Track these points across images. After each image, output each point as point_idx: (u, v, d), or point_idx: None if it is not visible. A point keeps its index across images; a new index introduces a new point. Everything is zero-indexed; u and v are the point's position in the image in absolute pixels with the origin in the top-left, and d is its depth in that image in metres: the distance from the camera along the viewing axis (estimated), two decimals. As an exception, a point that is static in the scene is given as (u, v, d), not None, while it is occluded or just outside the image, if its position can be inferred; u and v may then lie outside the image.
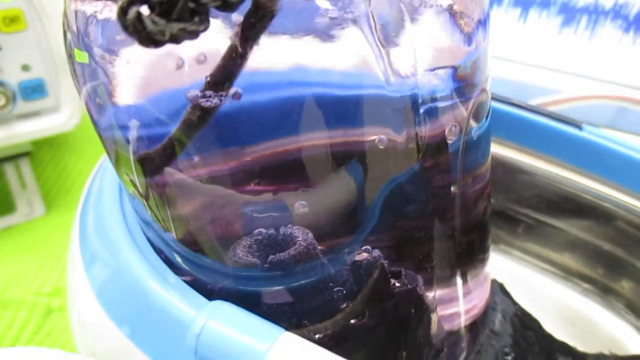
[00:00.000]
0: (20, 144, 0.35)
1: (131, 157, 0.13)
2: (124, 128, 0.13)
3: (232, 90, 0.11)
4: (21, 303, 0.32)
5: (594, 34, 0.31)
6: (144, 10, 0.08)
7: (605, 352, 0.21)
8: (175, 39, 0.08)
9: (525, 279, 0.27)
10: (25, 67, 0.31)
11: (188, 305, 0.13)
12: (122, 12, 0.08)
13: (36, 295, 0.32)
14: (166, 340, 0.13)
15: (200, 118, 0.12)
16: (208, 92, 0.10)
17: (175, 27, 0.08)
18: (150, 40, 0.08)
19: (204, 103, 0.11)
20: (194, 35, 0.08)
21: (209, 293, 0.15)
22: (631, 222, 0.23)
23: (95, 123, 0.14)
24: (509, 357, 0.20)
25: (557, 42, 0.32)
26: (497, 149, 0.24)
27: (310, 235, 0.16)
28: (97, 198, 0.17)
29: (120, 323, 0.14)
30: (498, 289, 0.23)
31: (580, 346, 0.22)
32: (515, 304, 0.23)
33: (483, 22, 0.14)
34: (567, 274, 0.25)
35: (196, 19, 0.08)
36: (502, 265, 0.26)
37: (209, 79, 0.11)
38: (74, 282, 0.18)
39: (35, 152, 0.38)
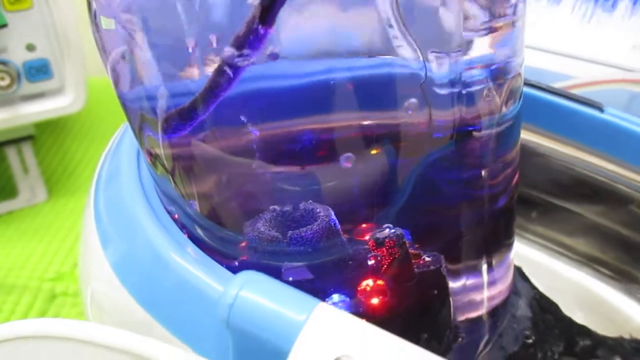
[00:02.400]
0: (23, 126, 0.34)
1: (159, 122, 0.12)
2: (151, 93, 0.12)
3: (269, 50, 0.10)
4: (25, 288, 0.31)
5: (611, 18, 0.31)
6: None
7: (625, 335, 0.21)
8: None
9: (541, 263, 0.26)
10: (30, 47, 0.31)
11: (215, 278, 0.13)
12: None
13: (40, 280, 0.32)
14: (191, 314, 0.13)
15: (226, 78, 0.11)
16: (245, 51, 0.10)
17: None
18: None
19: (240, 63, 0.10)
20: None
21: (230, 268, 0.14)
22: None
23: (120, 92, 0.14)
24: (530, 340, 0.20)
25: (571, 27, 0.32)
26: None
27: (331, 211, 0.15)
28: (114, 176, 0.17)
29: (142, 300, 0.14)
30: (517, 273, 0.22)
31: (598, 330, 0.21)
32: (533, 287, 0.22)
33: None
34: (584, 259, 0.25)
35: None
36: (517, 250, 0.26)
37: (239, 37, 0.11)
38: (89, 260, 0.17)
39: (37, 137, 0.37)
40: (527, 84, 0.23)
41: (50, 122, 0.39)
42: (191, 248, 0.14)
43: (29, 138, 0.36)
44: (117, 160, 0.17)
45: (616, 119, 0.21)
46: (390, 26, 0.12)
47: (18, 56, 0.30)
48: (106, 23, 0.13)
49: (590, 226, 0.25)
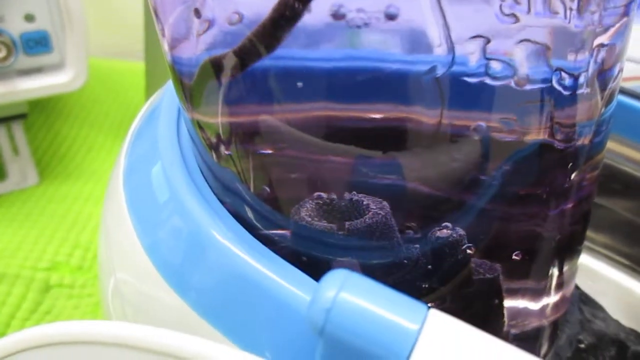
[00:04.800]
0: (15, 104, 0.32)
1: (221, 86, 0.11)
2: (213, 44, 0.11)
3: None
4: (16, 277, 0.29)
5: None
6: None
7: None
8: None
9: (581, 263, 0.25)
10: (29, 17, 0.28)
11: (286, 275, 0.11)
12: None
13: (33, 269, 0.30)
14: (251, 316, 0.11)
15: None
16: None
17: None
18: None
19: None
20: None
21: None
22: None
23: (179, 54, 0.12)
24: (582, 345, 0.19)
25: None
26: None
27: (387, 205, 0.14)
28: (150, 157, 0.15)
29: (183, 290, 0.12)
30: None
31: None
32: (579, 290, 0.21)
33: None
34: (624, 258, 0.24)
35: None
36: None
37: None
38: (115, 250, 0.15)
39: (29, 116, 0.34)
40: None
41: (43, 100, 0.36)
42: (247, 235, 0.12)
43: (20, 117, 0.34)
44: (152, 141, 0.15)
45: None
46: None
47: (15, 26, 0.28)
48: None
49: (617, 220, 0.24)
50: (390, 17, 0.09)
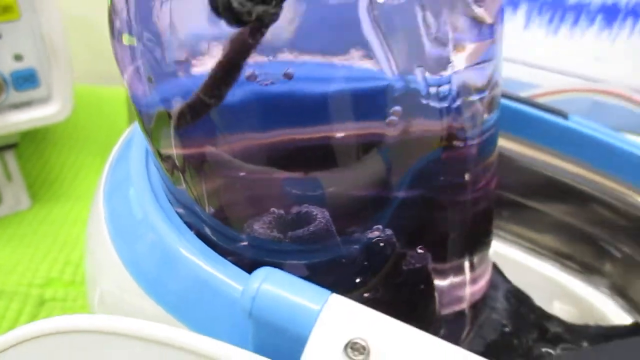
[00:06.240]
0: (7, 135, 0.35)
1: (171, 127, 0.14)
2: (166, 100, 0.14)
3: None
4: (14, 294, 0.32)
5: (573, 31, 0.33)
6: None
7: (591, 322, 0.23)
8: (260, 20, 0.09)
9: (514, 259, 0.28)
10: (18, 57, 0.31)
11: (233, 277, 0.14)
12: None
13: (29, 286, 0.32)
14: (208, 309, 0.14)
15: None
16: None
17: (260, 8, 0.09)
18: (238, 20, 0.09)
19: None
20: (274, 16, 0.09)
21: (235, 265, 0.16)
22: (611, 206, 0.25)
23: (136, 100, 0.15)
24: (507, 330, 0.22)
25: (540, 39, 0.34)
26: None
27: (327, 213, 0.17)
28: (124, 181, 0.18)
29: (158, 298, 0.15)
30: (493, 267, 0.24)
31: (567, 318, 0.23)
32: (508, 281, 0.24)
33: (501, 13, 0.15)
34: (553, 254, 0.27)
35: (274, 1, 0.09)
36: (492, 247, 0.28)
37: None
38: (98, 263, 0.18)
39: (20, 144, 0.37)
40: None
41: (32, 132, 0.39)
42: (204, 247, 0.15)
43: (12, 146, 0.37)
44: (126, 166, 0.18)
45: (579, 125, 0.23)
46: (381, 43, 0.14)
47: (6, 66, 0.31)
48: (127, 39, 0.14)
49: (557, 224, 0.27)
50: (289, 76, 0.12)
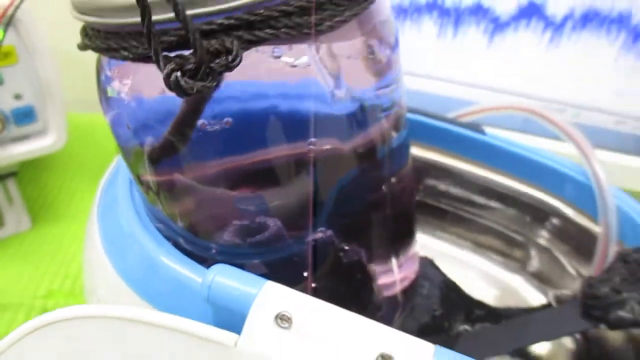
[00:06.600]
0: (8, 165, 0.39)
1: (145, 159, 0.18)
2: (141, 140, 0.18)
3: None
4: (19, 305, 0.36)
5: (510, 53, 0.38)
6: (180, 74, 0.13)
7: (512, 304, 0.27)
8: (200, 92, 0.13)
9: (455, 256, 0.33)
10: (17, 96, 0.35)
11: (194, 272, 0.18)
12: (167, 77, 0.13)
13: (32, 298, 0.36)
14: (180, 297, 0.18)
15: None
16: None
17: (199, 84, 0.13)
18: (185, 93, 0.13)
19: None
20: (211, 89, 0.13)
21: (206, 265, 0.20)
22: (527, 205, 0.29)
23: (118, 138, 0.19)
24: (437, 312, 0.26)
25: (475, 61, 0.38)
26: (424, 153, 0.30)
27: (279, 222, 0.21)
28: (113, 203, 0.22)
29: (144, 293, 0.19)
30: (429, 263, 0.29)
31: (496, 302, 0.28)
32: (442, 274, 0.28)
33: (394, 49, 0.20)
34: (485, 249, 0.32)
35: (210, 78, 0.13)
36: (437, 246, 0.32)
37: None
38: (95, 272, 0.22)
39: (20, 171, 0.41)
40: (429, 115, 0.29)
41: (31, 160, 0.43)
42: (178, 254, 0.20)
43: (13, 174, 0.41)
44: (115, 191, 0.22)
45: (494, 140, 0.28)
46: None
47: (7, 104, 0.35)
48: (110, 92, 0.18)
49: (488, 224, 0.32)
50: (228, 123, 0.16)
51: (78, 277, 0.38)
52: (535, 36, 0.38)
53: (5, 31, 0.29)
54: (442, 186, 0.31)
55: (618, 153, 0.38)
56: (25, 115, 0.36)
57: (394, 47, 0.20)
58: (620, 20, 0.34)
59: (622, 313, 0.20)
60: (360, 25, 0.18)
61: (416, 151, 0.30)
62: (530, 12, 0.36)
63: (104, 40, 0.16)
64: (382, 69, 0.19)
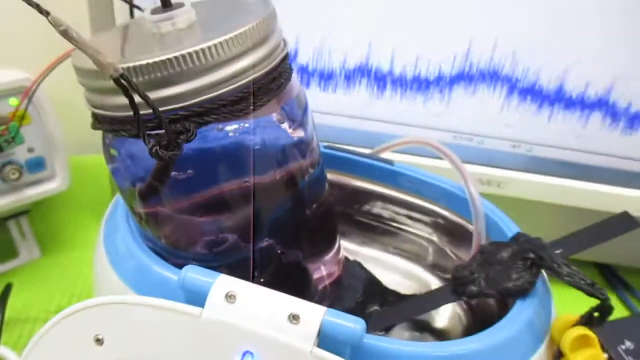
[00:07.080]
0: (22, 205, 0.47)
1: (137, 197, 0.27)
2: (133, 183, 0.27)
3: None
4: (35, 319, 0.44)
5: (417, 101, 0.47)
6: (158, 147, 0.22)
7: (420, 292, 0.36)
8: (172, 159, 0.22)
9: (384, 260, 0.42)
10: (31, 150, 0.44)
11: (174, 274, 0.27)
12: (150, 150, 0.22)
13: (46, 313, 0.44)
14: (164, 290, 0.27)
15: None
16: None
17: (170, 153, 0.22)
18: (161, 159, 0.22)
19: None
20: (177, 155, 0.22)
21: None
22: (430, 216, 0.38)
23: (116, 180, 0.28)
24: (359, 300, 0.35)
25: (396, 106, 0.48)
26: (350, 181, 0.39)
27: (236, 236, 0.30)
28: (114, 229, 0.31)
29: (142, 292, 0.28)
30: (356, 264, 0.38)
31: (407, 292, 0.37)
32: (367, 272, 0.37)
33: (305, 112, 0.29)
34: (409, 254, 0.41)
35: (177, 149, 0.22)
36: (365, 252, 0.42)
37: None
38: (104, 282, 0.31)
39: (32, 211, 0.50)
40: (350, 152, 0.38)
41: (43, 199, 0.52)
42: (165, 264, 0.28)
43: (25, 212, 0.49)
44: (115, 220, 0.31)
45: (401, 169, 0.37)
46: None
47: (22, 157, 0.44)
48: (112, 152, 0.27)
49: (410, 235, 0.41)
50: (191, 174, 0.25)
51: (82, 295, 0.46)
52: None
53: (28, 105, 0.38)
54: (367, 207, 0.40)
55: (514, 171, 0.48)
56: (37, 165, 0.45)
57: (305, 109, 0.29)
58: (506, 79, 0.44)
59: (473, 288, 0.29)
60: (278, 102, 0.27)
61: (346, 180, 0.39)
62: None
63: (109, 124, 0.25)
64: (296, 128, 0.29)
